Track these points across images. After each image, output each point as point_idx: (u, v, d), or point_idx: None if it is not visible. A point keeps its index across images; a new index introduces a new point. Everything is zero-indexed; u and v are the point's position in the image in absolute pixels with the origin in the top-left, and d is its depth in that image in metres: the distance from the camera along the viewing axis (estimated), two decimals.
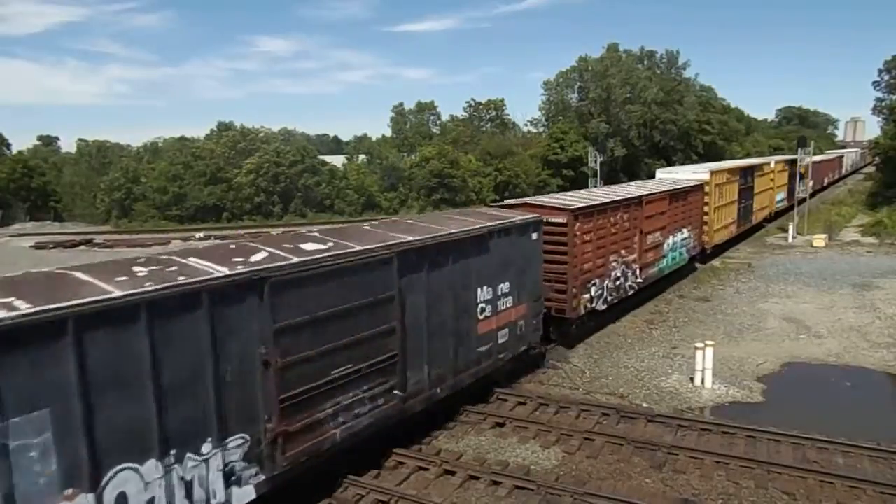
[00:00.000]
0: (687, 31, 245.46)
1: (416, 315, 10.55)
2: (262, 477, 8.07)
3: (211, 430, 7.36)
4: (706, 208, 25.60)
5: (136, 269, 7.37)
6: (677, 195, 22.08)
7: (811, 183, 45.48)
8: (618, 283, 18.10)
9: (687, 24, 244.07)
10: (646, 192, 20.03)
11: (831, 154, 75.68)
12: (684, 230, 22.85)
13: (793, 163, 42.35)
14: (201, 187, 59.07)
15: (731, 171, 29.53)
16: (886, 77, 73.33)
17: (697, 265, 25.92)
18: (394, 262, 10.06)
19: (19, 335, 5.80)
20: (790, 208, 41.76)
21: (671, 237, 21.60)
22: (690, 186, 23.70)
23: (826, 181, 61.29)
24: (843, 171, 78.49)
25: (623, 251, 18.23)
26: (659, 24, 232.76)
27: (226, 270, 7.63)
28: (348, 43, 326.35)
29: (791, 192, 42.14)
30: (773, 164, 38.11)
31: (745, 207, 31.84)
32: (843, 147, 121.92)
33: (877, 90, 75.04)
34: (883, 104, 70.72)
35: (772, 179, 37.91)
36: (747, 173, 32.13)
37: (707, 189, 25.40)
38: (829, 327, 18.15)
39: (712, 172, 26.51)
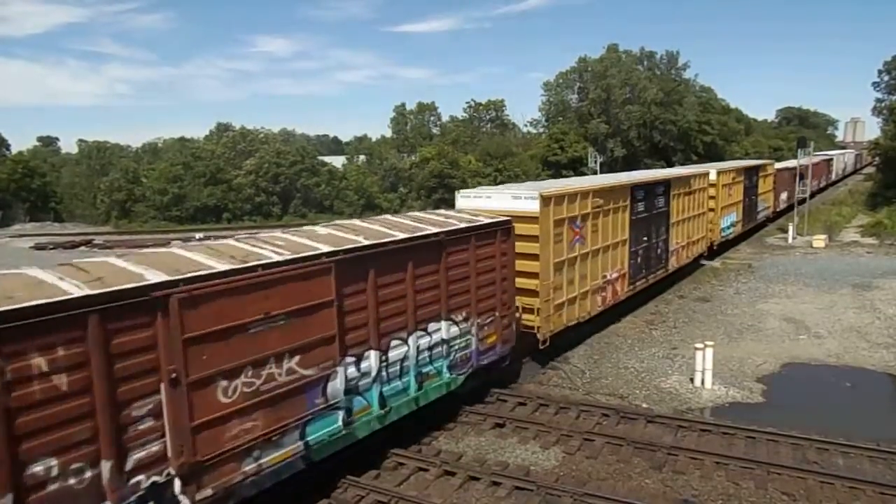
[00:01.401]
0: (687, 31, 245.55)
1: None
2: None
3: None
4: (533, 265, 14.16)
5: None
6: (392, 257, 10.35)
7: (785, 195, 40.59)
8: None
9: (687, 24, 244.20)
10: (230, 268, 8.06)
11: (817, 157, 57.81)
12: (442, 322, 11.40)
13: (753, 171, 33.36)
14: (201, 188, 59.15)
15: (607, 192, 17.07)
16: (886, 78, 73.45)
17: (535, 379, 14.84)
18: None
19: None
20: (749, 233, 34.41)
21: (372, 354, 10.13)
22: (446, 235, 11.35)
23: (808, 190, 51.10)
24: (834, 177, 66.31)
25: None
26: (659, 24, 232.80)
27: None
28: (348, 43, 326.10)
29: (749, 210, 32.94)
30: (714, 176, 26.73)
31: (650, 248, 20.00)
32: (843, 148, 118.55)
33: (876, 91, 75.19)
34: (883, 105, 70.79)
35: (712, 197, 26.57)
36: (653, 193, 20.08)
37: (534, 229, 14.06)
38: (829, 328, 18.15)
39: (544, 199, 14.23)
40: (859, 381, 14.58)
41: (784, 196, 41.75)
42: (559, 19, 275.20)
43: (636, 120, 67.33)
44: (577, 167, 59.46)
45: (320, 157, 68.35)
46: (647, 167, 57.14)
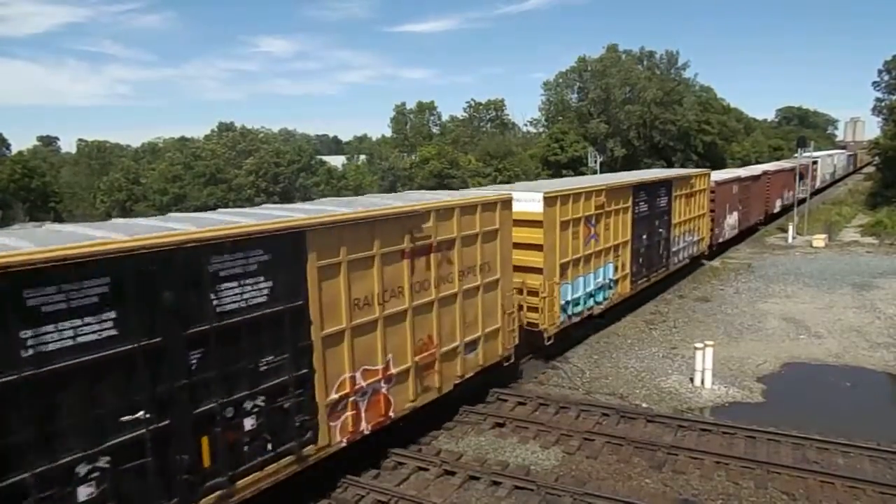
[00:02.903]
0: (687, 31, 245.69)
1: None
2: None
3: None
4: None
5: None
6: None
7: (734, 218, 29.93)
8: None
9: (687, 24, 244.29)
10: None
11: (799, 160, 40.99)
12: None
13: (660, 188, 20.53)
14: (201, 188, 59.17)
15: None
16: (886, 77, 73.30)
17: None
18: None
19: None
20: (658, 287, 21.63)
21: None
22: None
23: (779, 205, 39.95)
24: (819, 184, 56.08)
25: None
26: (659, 24, 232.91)
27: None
28: (349, 43, 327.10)
29: (650, 253, 20.18)
30: (534, 207, 14.28)
31: (236, 418, 7.96)
32: (843, 147, 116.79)
33: (876, 90, 75.03)
34: (883, 104, 70.68)
35: (534, 247, 14.35)
36: (274, 252, 8.26)
37: None
38: (829, 327, 18.15)
39: None
40: (859, 380, 14.59)
41: (732, 220, 29.69)
42: (559, 19, 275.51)
43: (636, 120, 67.25)
44: (576, 167, 59.44)
45: (321, 157, 68.40)
46: (647, 167, 57.05)
